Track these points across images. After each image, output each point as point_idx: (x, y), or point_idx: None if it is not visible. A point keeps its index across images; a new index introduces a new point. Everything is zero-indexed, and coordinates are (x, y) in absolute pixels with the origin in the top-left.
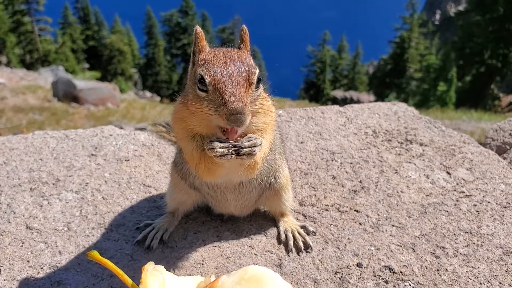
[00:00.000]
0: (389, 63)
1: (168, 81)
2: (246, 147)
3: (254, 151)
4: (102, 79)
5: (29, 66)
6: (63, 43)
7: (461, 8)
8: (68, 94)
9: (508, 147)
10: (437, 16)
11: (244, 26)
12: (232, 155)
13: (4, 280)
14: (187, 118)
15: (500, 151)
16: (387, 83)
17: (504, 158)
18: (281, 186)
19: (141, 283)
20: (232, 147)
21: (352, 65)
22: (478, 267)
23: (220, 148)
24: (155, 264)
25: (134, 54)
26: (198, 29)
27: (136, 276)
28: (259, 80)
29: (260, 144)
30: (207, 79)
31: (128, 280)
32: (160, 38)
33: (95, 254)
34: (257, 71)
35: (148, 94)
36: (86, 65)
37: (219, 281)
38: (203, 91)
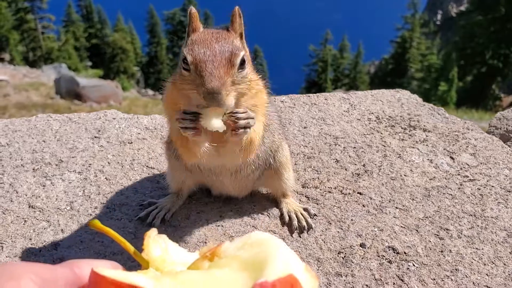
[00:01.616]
0: (391, 62)
1: None
2: (241, 119)
3: (249, 123)
4: (105, 77)
5: (32, 64)
6: (66, 41)
7: (462, 8)
8: (70, 92)
9: (511, 135)
10: (439, 16)
11: (236, 7)
12: (195, 130)
13: (6, 257)
14: (176, 98)
15: (504, 139)
16: (388, 83)
17: (508, 146)
18: (281, 164)
19: (143, 250)
20: (195, 119)
21: (354, 64)
22: (482, 249)
23: (182, 119)
24: None
25: (137, 52)
26: (193, 10)
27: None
28: (243, 62)
29: (253, 118)
30: (189, 58)
31: (130, 248)
32: (162, 36)
33: (96, 222)
34: (242, 52)
35: (150, 92)
36: (89, 63)
37: (222, 247)
38: (186, 70)
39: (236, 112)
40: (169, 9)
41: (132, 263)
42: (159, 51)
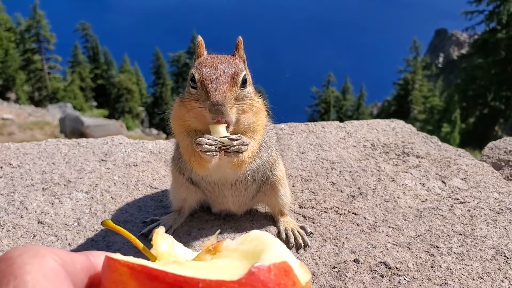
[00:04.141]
0: (393, 104)
1: None
2: (234, 145)
3: (241, 149)
4: (110, 116)
5: (38, 103)
6: (72, 81)
7: (464, 51)
8: (75, 131)
9: (503, 164)
10: (441, 59)
11: (239, 36)
12: (218, 152)
13: None
14: (183, 114)
15: (496, 167)
16: None
17: (500, 174)
18: (277, 179)
19: (152, 246)
20: (218, 144)
21: (356, 106)
22: (471, 265)
23: (206, 144)
24: None
25: (142, 93)
26: (199, 38)
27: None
28: (245, 81)
29: (247, 144)
30: (197, 77)
31: (139, 244)
32: (167, 78)
33: (109, 222)
34: (244, 72)
35: (154, 131)
36: (94, 103)
37: (224, 243)
38: (193, 88)
39: (230, 138)
40: (175, 52)
41: None
42: (164, 92)
